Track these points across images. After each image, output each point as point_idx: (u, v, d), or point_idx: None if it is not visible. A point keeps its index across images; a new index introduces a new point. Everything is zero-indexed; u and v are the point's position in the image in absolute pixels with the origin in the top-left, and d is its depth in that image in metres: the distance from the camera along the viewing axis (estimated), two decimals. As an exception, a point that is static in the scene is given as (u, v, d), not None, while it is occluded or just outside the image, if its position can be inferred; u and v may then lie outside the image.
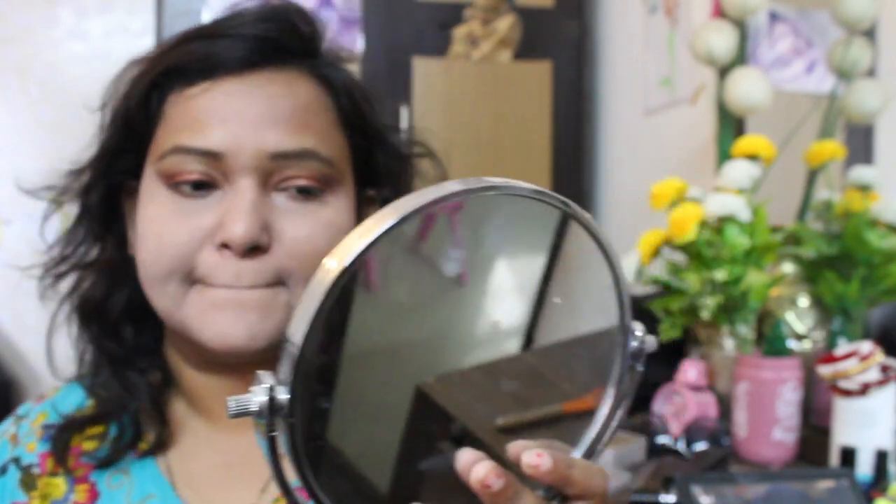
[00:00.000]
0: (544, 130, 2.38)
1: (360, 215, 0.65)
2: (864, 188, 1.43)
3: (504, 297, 0.46)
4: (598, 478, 0.43)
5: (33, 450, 0.67)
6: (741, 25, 1.52)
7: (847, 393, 1.11)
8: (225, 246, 0.58)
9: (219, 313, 0.58)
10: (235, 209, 0.57)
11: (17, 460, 0.67)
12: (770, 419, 1.22)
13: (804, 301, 1.49)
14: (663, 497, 0.96)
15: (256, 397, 0.37)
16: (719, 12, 1.59)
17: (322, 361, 0.39)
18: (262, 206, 0.58)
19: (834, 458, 1.14)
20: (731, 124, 1.54)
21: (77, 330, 0.69)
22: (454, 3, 2.33)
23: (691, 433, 1.27)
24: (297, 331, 0.37)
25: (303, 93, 0.61)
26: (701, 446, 1.26)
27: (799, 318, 1.49)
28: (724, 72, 1.51)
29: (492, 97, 2.35)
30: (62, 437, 0.65)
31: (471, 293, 0.44)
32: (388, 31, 2.30)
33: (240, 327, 0.58)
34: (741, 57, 1.54)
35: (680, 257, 1.39)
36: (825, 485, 0.99)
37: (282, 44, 0.61)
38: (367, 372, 0.42)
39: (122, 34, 2.31)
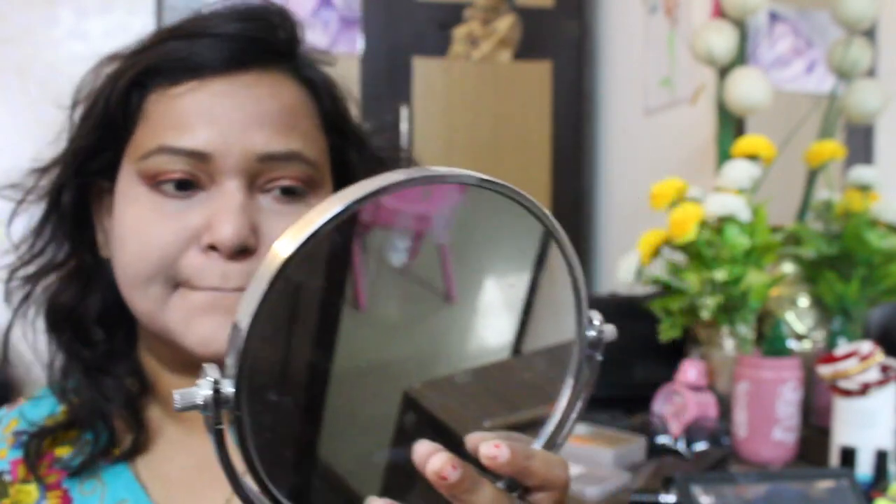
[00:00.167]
0: (544, 130, 2.38)
1: None
2: (864, 188, 1.43)
3: (492, 313, 0.46)
4: (558, 468, 0.43)
5: (4, 456, 0.65)
6: (741, 25, 1.52)
7: (847, 393, 1.11)
8: (212, 248, 0.57)
9: (204, 317, 0.57)
10: (224, 210, 0.57)
11: None
12: (770, 419, 1.22)
13: (804, 301, 1.49)
14: (663, 497, 0.96)
15: (202, 390, 0.37)
16: (719, 12, 1.59)
17: (270, 352, 0.38)
18: (249, 207, 0.58)
19: (834, 458, 1.14)
20: (731, 124, 1.54)
21: (47, 335, 0.67)
22: (454, 3, 2.33)
23: (691, 433, 1.27)
24: (244, 319, 0.37)
25: (288, 94, 0.61)
26: (701, 446, 1.26)
27: (799, 318, 1.49)
28: (724, 72, 1.51)
29: (492, 97, 2.36)
30: (34, 445, 0.64)
31: (459, 310, 0.45)
32: (388, 31, 2.30)
33: (224, 332, 0.58)
34: (741, 57, 1.54)
35: (680, 257, 1.39)
36: (825, 485, 0.99)
37: (266, 44, 0.61)
38: (352, 384, 0.42)
39: (122, 34, 2.31)
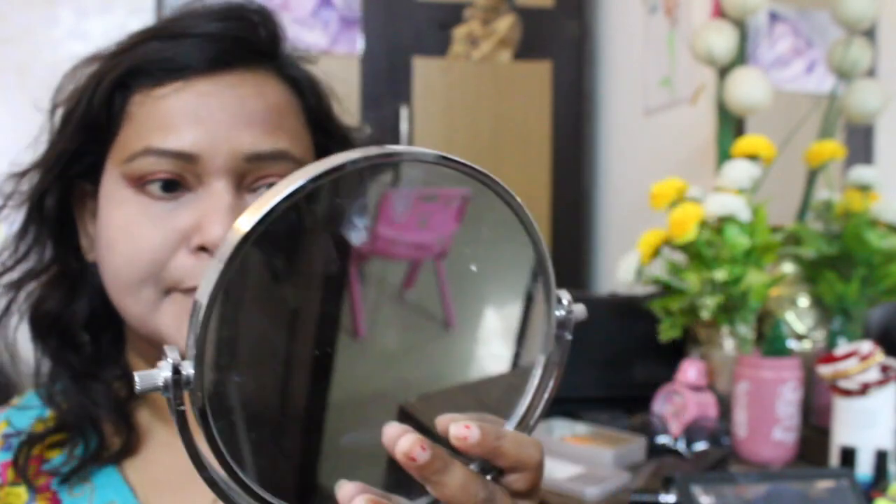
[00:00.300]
0: (544, 130, 2.38)
1: None
2: (864, 188, 1.43)
3: (490, 339, 0.46)
4: (530, 449, 0.43)
5: None
6: (741, 25, 1.52)
7: (847, 393, 1.11)
8: (202, 249, 0.57)
9: None
10: (213, 211, 0.56)
11: None
12: (770, 419, 1.22)
13: (804, 301, 1.49)
14: (663, 497, 0.96)
15: (163, 372, 0.36)
16: (719, 12, 1.59)
17: (231, 332, 0.38)
18: (238, 207, 0.57)
19: (834, 458, 1.14)
20: (731, 124, 1.54)
21: (32, 342, 0.66)
22: (454, 3, 2.33)
23: (691, 433, 1.27)
24: (202, 297, 0.36)
25: (273, 93, 0.61)
26: (701, 446, 1.26)
27: (799, 318, 1.49)
28: (724, 72, 1.51)
29: (492, 97, 2.36)
30: (23, 452, 0.63)
31: (457, 335, 0.45)
32: (388, 31, 2.30)
33: None
34: (741, 57, 1.54)
35: (680, 257, 1.39)
36: (825, 485, 0.99)
37: (249, 43, 0.61)
38: (318, 365, 0.42)
39: (122, 34, 2.31)
